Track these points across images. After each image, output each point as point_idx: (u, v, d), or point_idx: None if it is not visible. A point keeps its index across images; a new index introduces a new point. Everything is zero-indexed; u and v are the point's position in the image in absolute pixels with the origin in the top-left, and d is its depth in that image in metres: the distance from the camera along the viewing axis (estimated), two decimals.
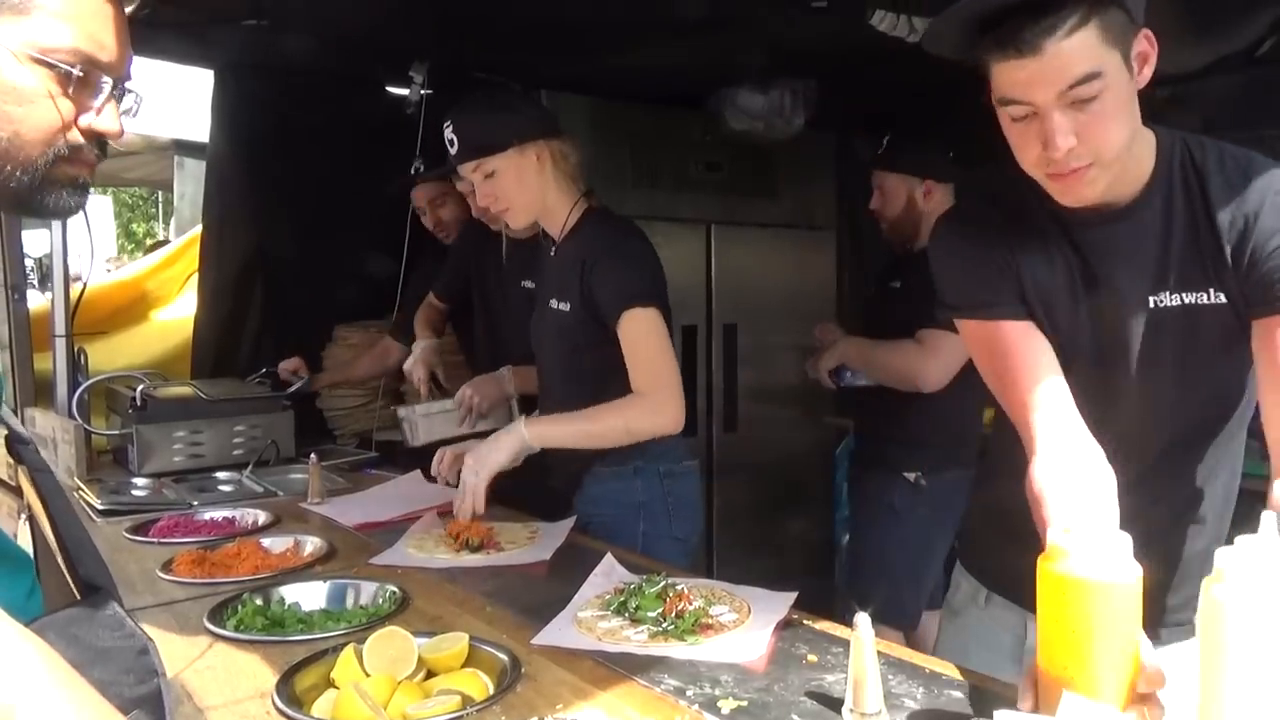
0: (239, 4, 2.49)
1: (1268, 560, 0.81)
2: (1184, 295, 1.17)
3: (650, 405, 1.80)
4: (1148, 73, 1.09)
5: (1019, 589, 1.35)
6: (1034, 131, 1.09)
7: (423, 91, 2.96)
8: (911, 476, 2.48)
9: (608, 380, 1.83)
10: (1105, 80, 1.04)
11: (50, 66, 0.86)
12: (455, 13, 2.53)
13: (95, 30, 0.88)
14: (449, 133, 1.88)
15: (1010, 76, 1.07)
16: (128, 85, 0.94)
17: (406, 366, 2.76)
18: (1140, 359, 1.21)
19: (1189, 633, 1.09)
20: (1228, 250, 1.13)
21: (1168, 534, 1.28)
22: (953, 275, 1.30)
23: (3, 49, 0.84)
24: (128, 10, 0.96)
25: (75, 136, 0.89)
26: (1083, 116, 1.06)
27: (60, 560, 1.03)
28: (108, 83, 0.90)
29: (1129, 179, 1.16)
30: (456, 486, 1.84)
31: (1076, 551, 0.91)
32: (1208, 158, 1.16)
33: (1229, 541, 0.84)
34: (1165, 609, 1.30)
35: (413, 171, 2.73)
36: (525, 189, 1.88)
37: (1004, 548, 1.32)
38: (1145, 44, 1.09)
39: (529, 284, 2.40)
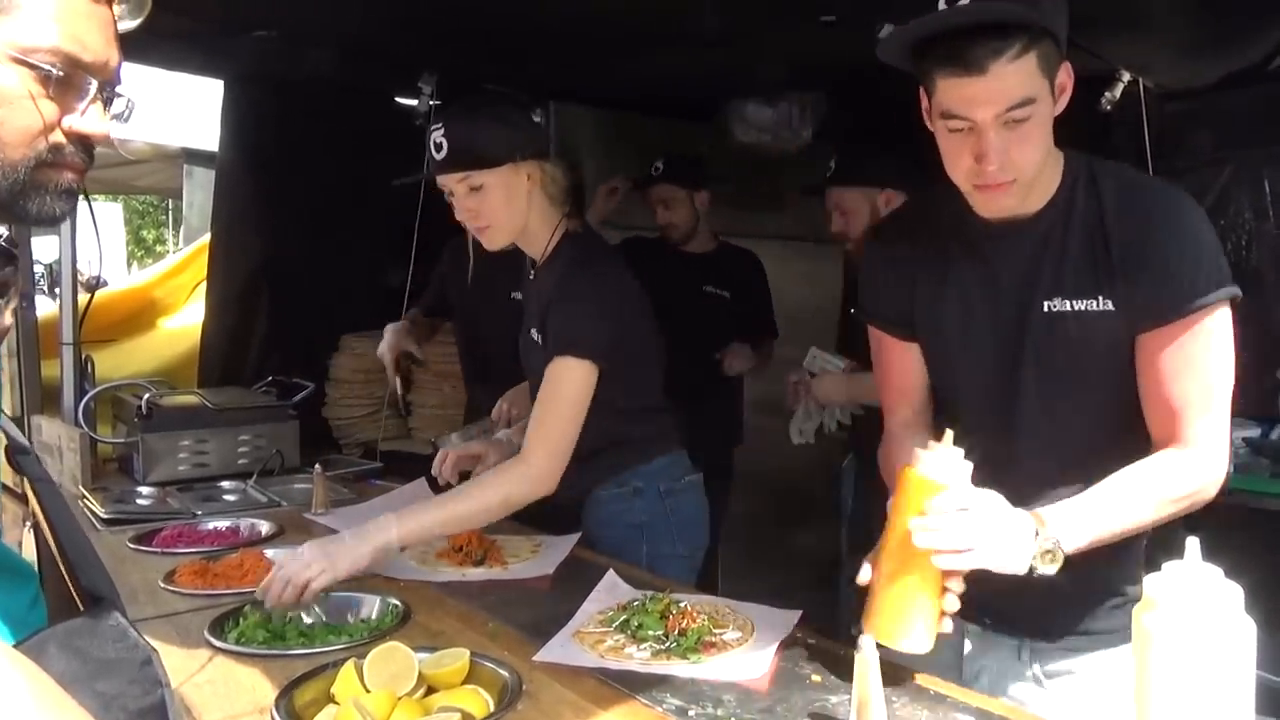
0: (249, 15, 2.50)
1: (1194, 587, 0.82)
2: (1075, 302, 1.26)
3: (523, 471, 1.70)
4: (1063, 101, 1.20)
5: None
6: (969, 145, 1.18)
7: (431, 103, 2.96)
8: None
9: (590, 414, 1.77)
10: (1037, 105, 1.15)
11: (31, 67, 0.84)
12: (464, 24, 2.53)
13: (79, 31, 0.86)
14: (438, 135, 1.74)
15: (956, 93, 1.15)
16: (118, 90, 0.93)
17: (379, 351, 2.66)
18: (1037, 363, 1.30)
19: (1103, 642, 1.34)
20: (1118, 263, 1.23)
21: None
22: (865, 283, 1.48)
23: None
24: (137, 22, 0.95)
25: (58, 138, 0.87)
26: (1013, 136, 1.16)
27: (63, 570, 1.02)
28: (92, 84, 0.88)
29: (1037, 194, 1.27)
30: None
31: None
32: (1108, 179, 1.27)
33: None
34: (1080, 621, 1.36)
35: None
36: (511, 209, 1.78)
37: None
38: (1065, 75, 1.19)
39: (519, 295, 2.35)
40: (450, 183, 1.77)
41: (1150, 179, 1.30)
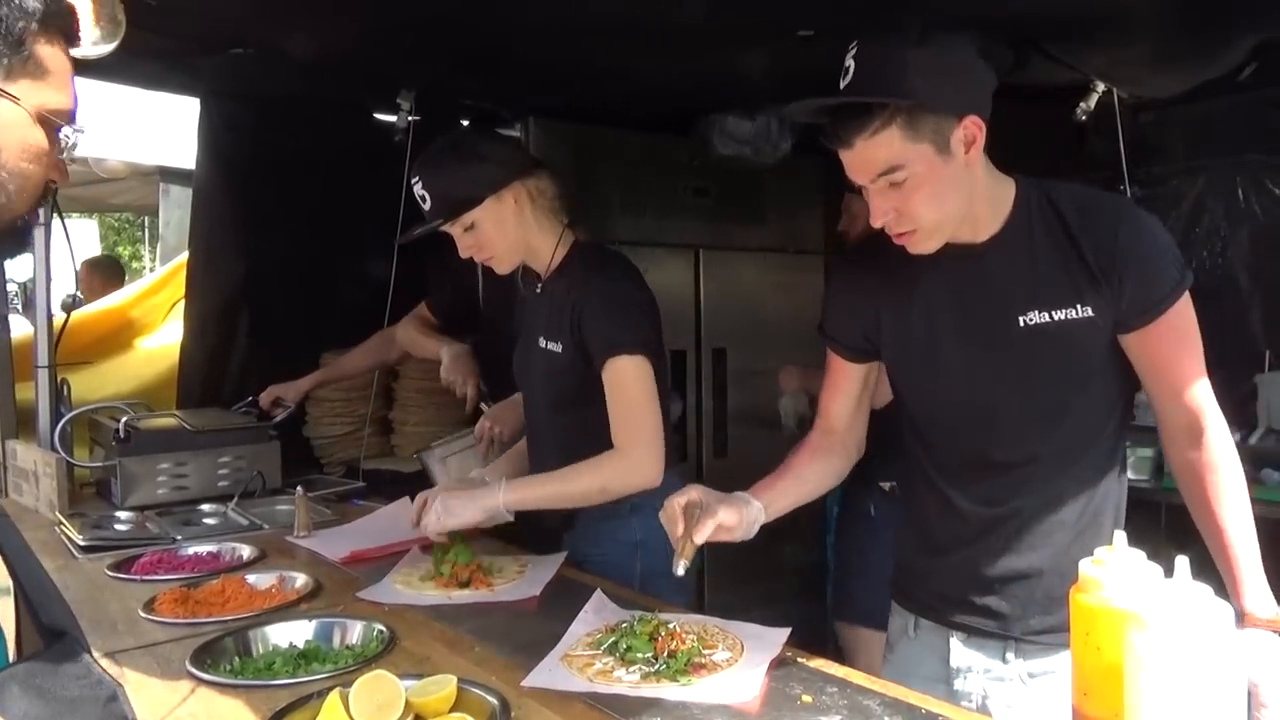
0: (225, 33, 2.48)
1: (1185, 607, 0.82)
2: (1054, 312, 1.34)
3: (626, 464, 1.78)
4: (975, 152, 1.30)
5: (940, 607, 1.52)
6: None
7: (410, 119, 2.95)
8: (886, 486, 2.47)
9: (601, 423, 1.80)
10: (910, 169, 1.27)
11: (51, 126, 0.88)
12: (442, 41, 2.52)
13: (73, 89, 0.91)
14: (419, 189, 1.84)
15: (843, 161, 1.31)
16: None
17: (445, 376, 2.50)
18: (1018, 376, 1.38)
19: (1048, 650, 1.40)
20: (1096, 270, 1.32)
21: (1051, 544, 1.41)
22: (829, 304, 1.60)
23: (25, 110, 0.86)
24: (112, 47, 0.98)
25: None
26: (897, 195, 1.29)
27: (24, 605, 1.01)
28: (67, 134, 0.92)
29: (984, 222, 1.37)
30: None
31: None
32: (1062, 198, 1.37)
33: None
34: (1031, 627, 1.43)
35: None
36: (506, 235, 1.85)
37: (926, 567, 1.54)
38: (973, 129, 1.28)
39: None
40: (445, 228, 1.85)
41: (1099, 192, 1.42)
